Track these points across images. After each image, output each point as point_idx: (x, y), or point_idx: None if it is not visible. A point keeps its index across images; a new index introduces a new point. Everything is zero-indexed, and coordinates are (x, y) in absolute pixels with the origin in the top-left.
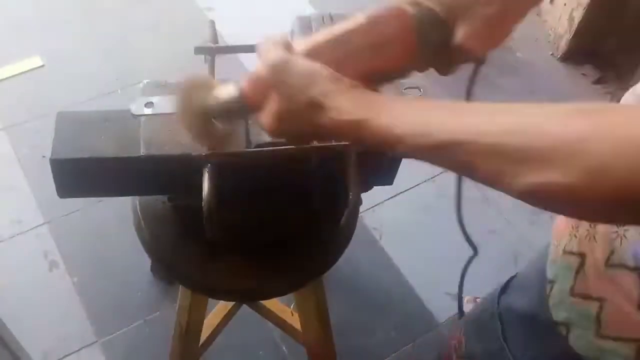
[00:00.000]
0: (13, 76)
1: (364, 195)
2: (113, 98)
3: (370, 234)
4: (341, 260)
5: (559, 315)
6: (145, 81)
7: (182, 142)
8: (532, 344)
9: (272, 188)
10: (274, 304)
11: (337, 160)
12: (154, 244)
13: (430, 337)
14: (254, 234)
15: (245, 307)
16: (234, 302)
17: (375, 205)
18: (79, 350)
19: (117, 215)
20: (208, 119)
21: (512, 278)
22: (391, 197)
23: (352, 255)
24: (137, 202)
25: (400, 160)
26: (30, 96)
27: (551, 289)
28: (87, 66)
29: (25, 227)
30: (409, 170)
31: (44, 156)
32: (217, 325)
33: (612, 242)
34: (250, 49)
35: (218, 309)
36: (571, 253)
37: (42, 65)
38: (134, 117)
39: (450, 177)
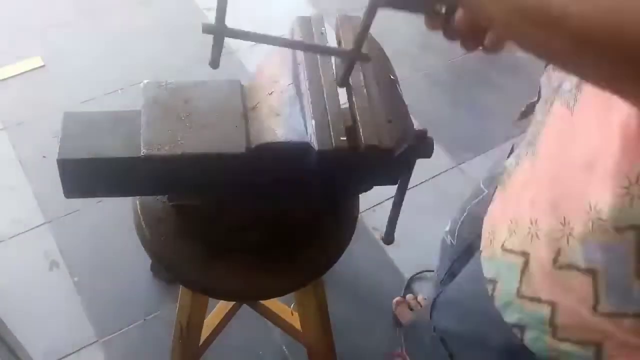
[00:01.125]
0: (14, 76)
1: (363, 195)
2: (113, 98)
3: (370, 234)
4: (341, 260)
5: (511, 317)
6: (145, 81)
7: (182, 142)
8: (479, 355)
9: (273, 188)
10: (274, 304)
11: (337, 160)
12: (154, 244)
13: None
14: (254, 234)
15: (245, 307)
16: (234, 302)
17: (375, 205)
18: (79, 350)
19: (117, 215)
20: None
21: (434, 300)
22: (391, 197)
23: (352, 255)
24: (137, 202)
25: (405, 160)
26: (31, 96)
27: (494, 289)
28: (88, 66)
29: (26, 226)
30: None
31: (44, 156)
32: (218, 325)
33: (557, 242)
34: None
35: (218, 308)
36: (512, 251)
37: (43, 65)
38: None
39: (450, 177)
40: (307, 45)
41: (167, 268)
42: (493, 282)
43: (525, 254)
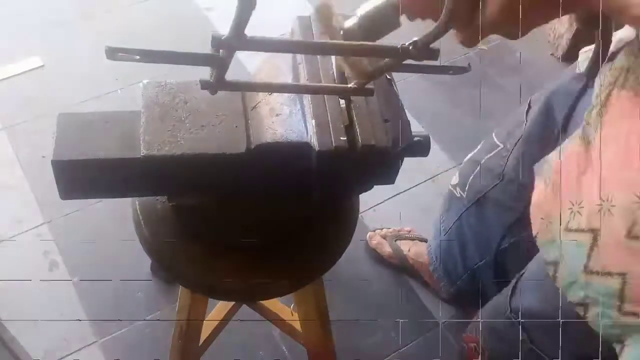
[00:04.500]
0: (13, 76)
1: (363, 195)
2: (113, 98)
3: None
4: (341, 260)
5: (575, 295)
6: (145, 81)
7: (182, 142)
8: (556, 338)
9: (273, 188)
10: (274, 304)
11: (337, 160)
12: (153, 244)
13: (430, 338)
14: (254, 234)
15: (245, 307)
16: (233, 302)
17: (375, 205)
18: (79, 350)
19: (117, 215)
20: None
21: (517, 281)
22: (391, 197)
23: (352, 255)
24: (137, 202)
25: (402, 159)
26: (30, 96)
27: (555, 271)
28: (87, 66)
29: (25, 226)
30: (409, 170)
31: (43, 156)
32: (217, 325)
33: (634, 213)
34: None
35: (218, 308)
36: (579, 230)
37: (42, 65)
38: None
39: (450, 177)
40: (313, 88)
41: (167, 268)
42: (554, 264)
43: (594, 231)
